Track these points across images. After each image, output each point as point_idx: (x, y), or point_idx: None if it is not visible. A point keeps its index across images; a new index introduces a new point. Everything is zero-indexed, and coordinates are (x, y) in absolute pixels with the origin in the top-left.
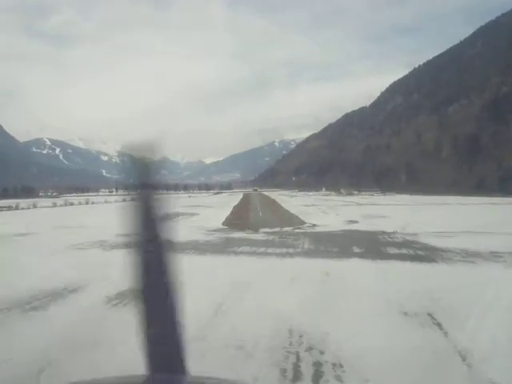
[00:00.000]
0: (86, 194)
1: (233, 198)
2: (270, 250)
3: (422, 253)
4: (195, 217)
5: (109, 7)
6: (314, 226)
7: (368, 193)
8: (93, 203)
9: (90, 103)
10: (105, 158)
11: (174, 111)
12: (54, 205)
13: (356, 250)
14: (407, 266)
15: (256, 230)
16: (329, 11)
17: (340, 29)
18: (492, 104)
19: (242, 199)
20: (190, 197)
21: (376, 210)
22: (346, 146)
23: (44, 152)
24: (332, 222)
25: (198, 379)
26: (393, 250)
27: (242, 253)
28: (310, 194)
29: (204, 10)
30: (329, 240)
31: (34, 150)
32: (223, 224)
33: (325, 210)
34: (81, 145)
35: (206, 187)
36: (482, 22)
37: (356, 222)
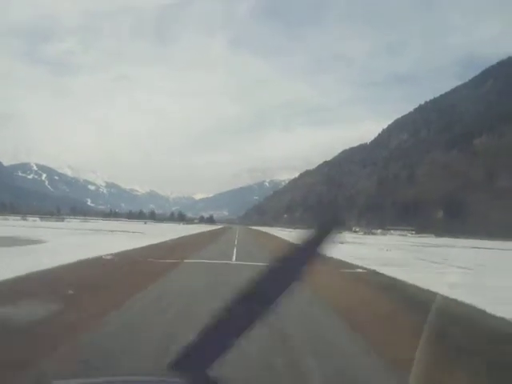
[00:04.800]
0: (28, 216)
1: (204, 227)
2: None
3: None
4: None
5: (109, 39)
6: None
7: (398, 232)
8: None
9: (82, 132)
10: (92, 188)
11: (166, 146)
12: None
13: None
14: None
15: None
16: (327, 57)
17: (338, 74)
18: None
19: (215, 229)
20: (145, 223)
21: None
22: (346, 181)
23: (29, 177)
24: None
25: (217, 379)
26: None
27: None
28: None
29: (204, 49)
30: None
31: (20, 174)
32: None
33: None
34: (69, 173)
35: (180, 218)
36: (482, 68)
37: None
